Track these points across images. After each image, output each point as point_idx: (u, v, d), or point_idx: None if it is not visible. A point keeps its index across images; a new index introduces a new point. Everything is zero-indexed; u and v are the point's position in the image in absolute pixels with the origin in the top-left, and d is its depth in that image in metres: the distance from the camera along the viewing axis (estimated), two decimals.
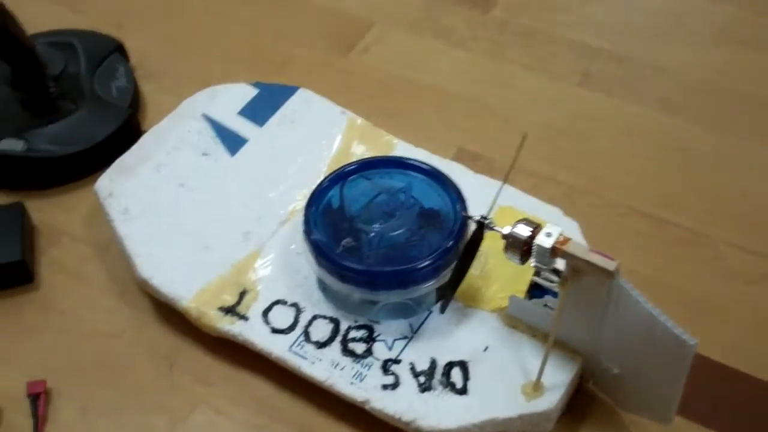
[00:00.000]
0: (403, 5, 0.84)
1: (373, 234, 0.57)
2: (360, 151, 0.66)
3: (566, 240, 0.49)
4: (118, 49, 0.77)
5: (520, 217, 0.51)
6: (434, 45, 0.80)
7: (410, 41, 0.80)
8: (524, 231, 0.51)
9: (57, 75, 0.72)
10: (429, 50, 0.80)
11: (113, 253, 0.65)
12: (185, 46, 0.81)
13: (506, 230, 0.51)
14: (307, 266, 0.59)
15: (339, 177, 0.60)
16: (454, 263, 0.54)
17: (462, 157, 0.69)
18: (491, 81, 0.76)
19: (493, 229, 0.52)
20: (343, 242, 0.56)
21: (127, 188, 0.63)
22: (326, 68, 0.78)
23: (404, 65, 0.78)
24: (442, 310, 0.56)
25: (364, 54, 0.79)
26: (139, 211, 0.62)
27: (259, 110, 0.68)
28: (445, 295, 0.55)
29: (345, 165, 0.60)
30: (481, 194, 0.56)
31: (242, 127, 0.67)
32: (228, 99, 0.69)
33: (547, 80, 0.76)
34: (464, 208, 0.57)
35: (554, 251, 0.50)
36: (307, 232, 0.57)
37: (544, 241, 0.50)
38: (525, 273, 0.55)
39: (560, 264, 0.51)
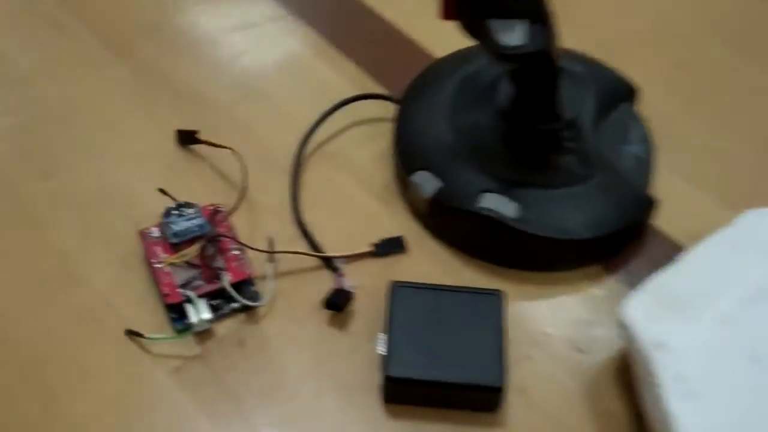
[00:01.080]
0: None
1: None
2: None
3: None
4: (630, 97, 0.57)
5: None
6: None
7: None
8: None
9: (569, 120, 0.53)
10: None
11: (608, 399, 0.46)
12: (707, 112, 0.60)
13: None
14: None
15: None
16: None
17: None
18: None
19: None
20: None
21: (683, 340, 0.43)
22: None
23: None
24: None
25: None
26: (700, 385, 0.42)
27: None
28: None
29: None
30: None
31: None
32: None
33: None
34: None
35: None
36: None
37: None
38: None
39: None
